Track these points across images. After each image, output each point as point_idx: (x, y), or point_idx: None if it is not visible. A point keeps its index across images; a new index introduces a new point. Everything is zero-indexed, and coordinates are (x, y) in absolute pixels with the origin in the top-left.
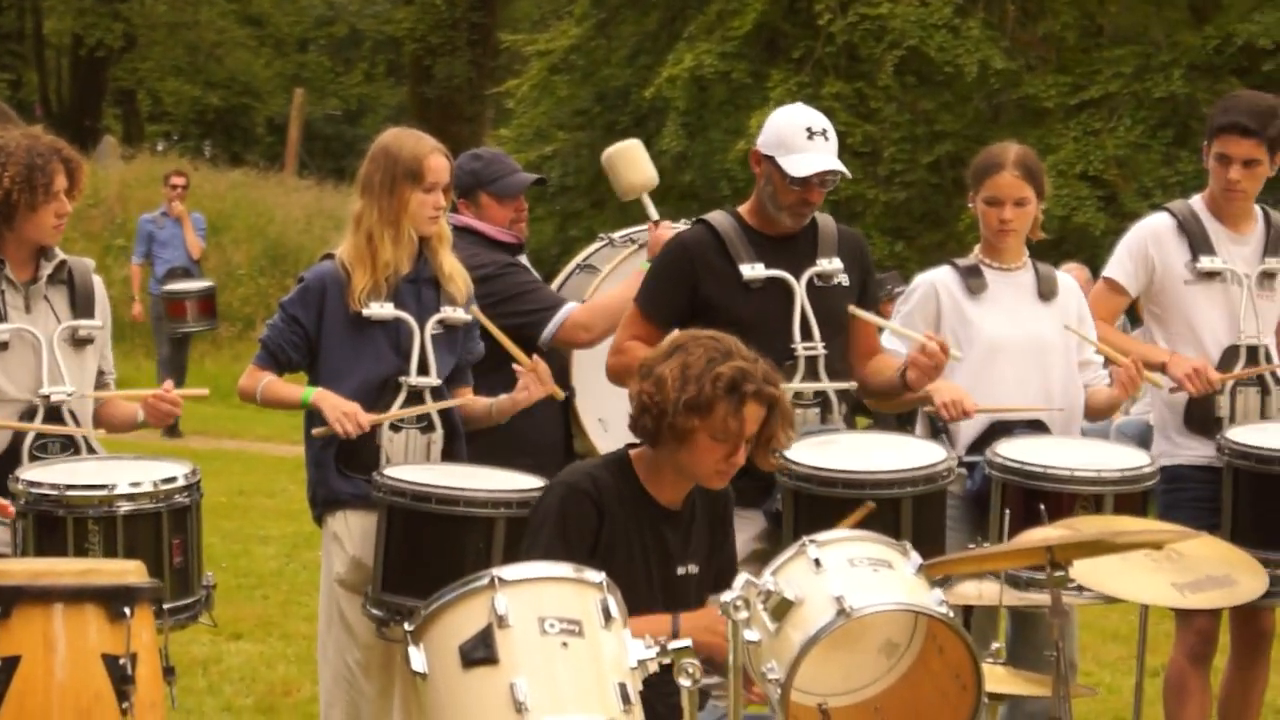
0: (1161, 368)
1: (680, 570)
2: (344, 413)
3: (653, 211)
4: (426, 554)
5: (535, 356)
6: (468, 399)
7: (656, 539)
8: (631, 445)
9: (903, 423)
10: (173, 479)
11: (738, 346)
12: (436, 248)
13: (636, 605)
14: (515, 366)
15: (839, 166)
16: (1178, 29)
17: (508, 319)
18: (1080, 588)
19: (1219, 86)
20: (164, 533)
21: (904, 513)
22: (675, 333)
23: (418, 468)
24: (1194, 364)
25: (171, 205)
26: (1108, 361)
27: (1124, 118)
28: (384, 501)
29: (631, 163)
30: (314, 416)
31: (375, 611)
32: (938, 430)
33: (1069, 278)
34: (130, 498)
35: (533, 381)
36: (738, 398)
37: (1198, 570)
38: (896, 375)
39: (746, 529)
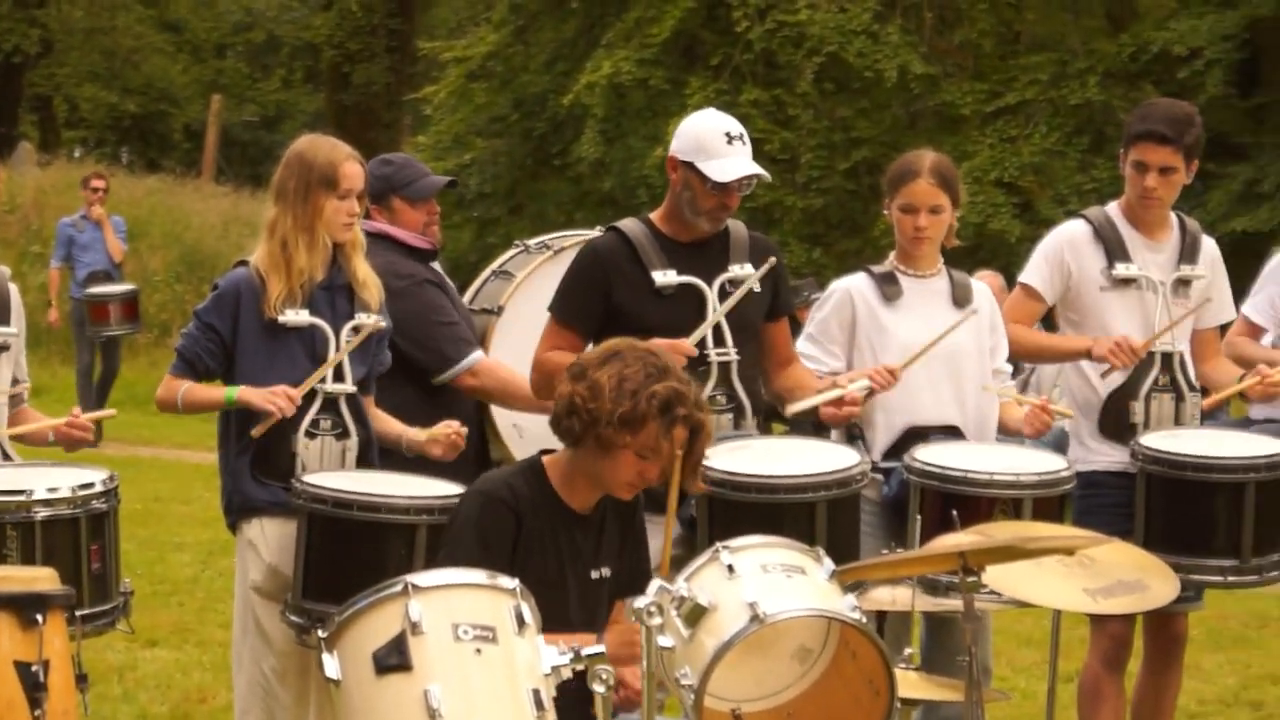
0: (1086, 354)
1: (594, 574)
2: (271, 392)
3: None
4: (347, 561)
5: (461, 426)
6: (391, 423)
7: (570, 543)
8: (544, 452)
9: (818, 429)
10: (90, 485)
11: (673, 364)
12: (350, 254)
13: (553, 610)
14: (441, 428)
15: (760, 171)
16: (1094, 37)
17: (411, 349)
18: (994, 593)
19: (1134, 94)
20: (82, 539)
21: (819, 516)
22: (611, 340)
23: (337, 474)
24: (1114, 339)
25: (91, 209)
26: (1017, 371)
27: (1040, 125)
28: (304, 508)
29: None
30: (230, 420)
31: (295, 619)
32: (853, 437)
33: (983, 285)
34: (48, 503)
35: (449, 449)
36: (669, 419)
37: (1109, 576)
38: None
39: (660, 535)
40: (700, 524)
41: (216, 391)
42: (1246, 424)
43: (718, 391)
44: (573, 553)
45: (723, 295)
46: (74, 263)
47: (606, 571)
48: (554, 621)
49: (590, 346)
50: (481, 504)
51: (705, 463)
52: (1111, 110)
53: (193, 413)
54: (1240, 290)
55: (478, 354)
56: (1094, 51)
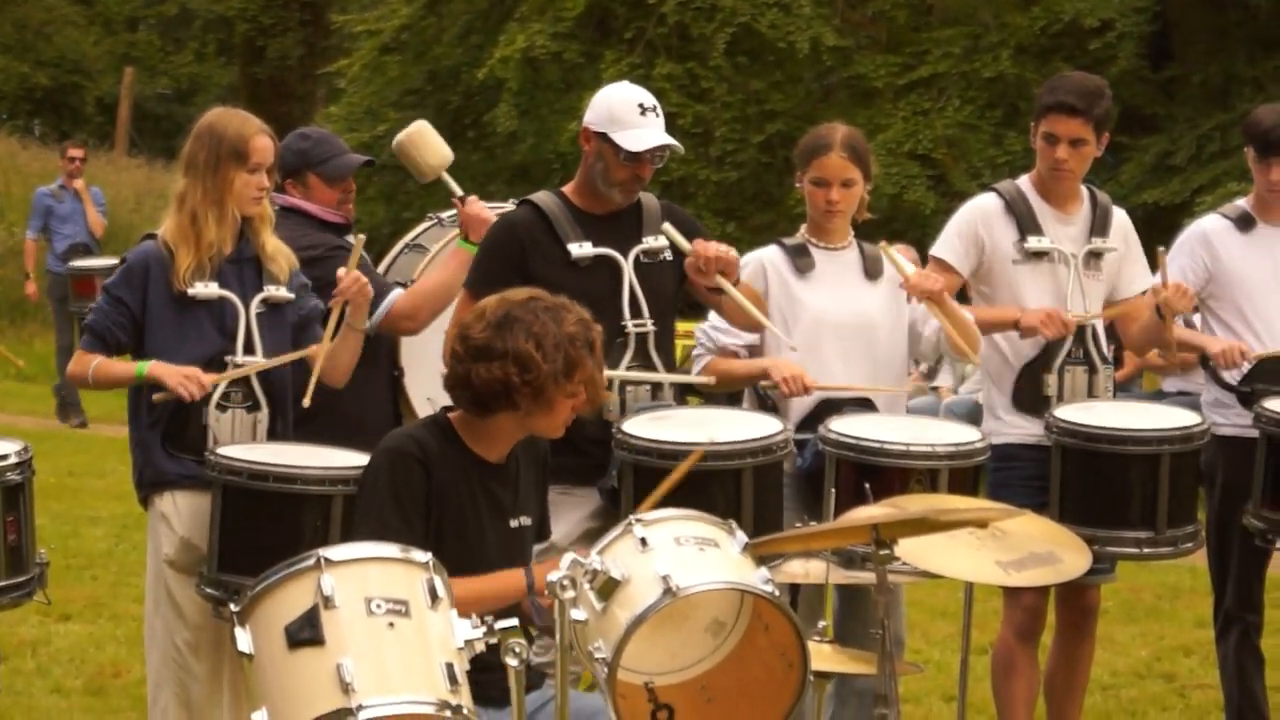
0: (1014, 325)
1: (514, 523)
2: (185, 375)
3: (456, 189)
4: (263, 532)
5: (356, 273)
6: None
7: (487, 495)
8: (447, 409)
9: (733, 401)
10: (5, 456)
11: (554, 299)
12: (259, 228)
13: (477, 562)
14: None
15: (672, 141)
16: (1006, 10)
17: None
18: (907, 565)
19: (1046, 68)
20: None
21: (745, 484)
22: (486, 303)
23: (251, 447)
24: (1044, 310)
25: (71, 180)
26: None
27: (953, 98)
28: (219, 480)
29: (424, 145)
30: (141, 394)
31: (211, 591)
32: (766, 408)
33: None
34: None
35: (357, 295)
36: (589, 346)
37: (1021, 548)
38: None
39: (580, 507)
40: (624, 493)
41: (128, 366)
42: (1159, 396)
43: (635, 363)
44: (490, 504)
45: (637, 266)
46: (51, 234)
47: (526, 520)
48: (476, 573)
49: None
50: (390, 460)
51: (628, 430)
52: (1024, 84)
53: (104, 388)
54: (1152, 263)
55: (394, 295)
56: (1006, 25)
